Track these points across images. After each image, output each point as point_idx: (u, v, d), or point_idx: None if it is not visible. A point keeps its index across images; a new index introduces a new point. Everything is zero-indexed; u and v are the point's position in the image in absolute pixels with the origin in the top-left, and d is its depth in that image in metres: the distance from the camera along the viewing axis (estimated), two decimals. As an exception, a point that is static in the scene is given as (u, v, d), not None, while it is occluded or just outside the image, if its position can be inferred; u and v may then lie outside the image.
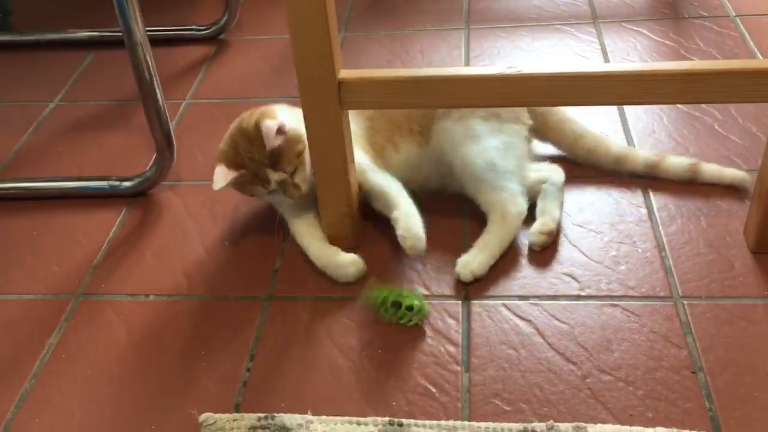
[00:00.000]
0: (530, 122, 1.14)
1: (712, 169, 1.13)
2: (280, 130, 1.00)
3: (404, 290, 0.98)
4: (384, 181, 1.06)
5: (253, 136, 1.01)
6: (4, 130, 1.43)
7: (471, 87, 0.95)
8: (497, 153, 1.06)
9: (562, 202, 1.10)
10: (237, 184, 1.05)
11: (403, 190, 1.05)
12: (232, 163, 1.03)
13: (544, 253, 1.04)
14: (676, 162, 1.13)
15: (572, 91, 0.93)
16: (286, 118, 1.04)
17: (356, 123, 1.10)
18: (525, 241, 1.06)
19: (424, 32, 1.62)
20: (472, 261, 1.01)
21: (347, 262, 1.02)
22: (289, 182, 1.03)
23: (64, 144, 1.38)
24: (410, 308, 0.95)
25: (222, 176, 1.01)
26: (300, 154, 1.03)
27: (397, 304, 0.96)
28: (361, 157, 1.07)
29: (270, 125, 0.99)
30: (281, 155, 1.01)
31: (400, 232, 0.99)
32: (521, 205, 1.05)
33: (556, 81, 0.93)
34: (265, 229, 1.12)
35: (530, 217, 1.06)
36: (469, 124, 1.09)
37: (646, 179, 1.14)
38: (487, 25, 1.62)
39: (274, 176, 1.02)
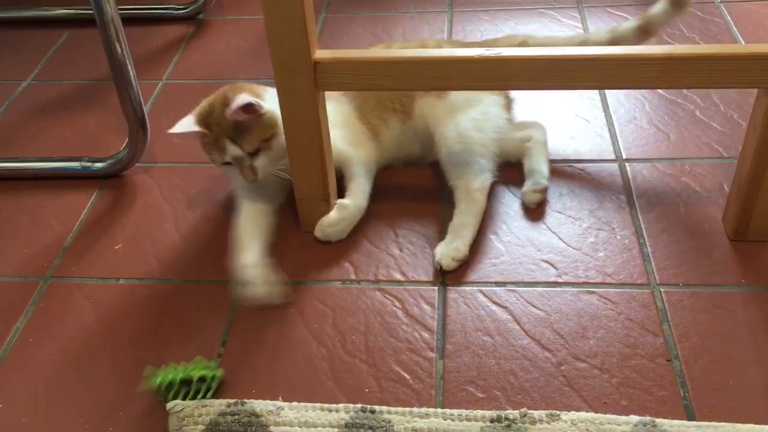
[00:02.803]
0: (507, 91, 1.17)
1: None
2: (249, 108, 0.98)
3: (183, 365, 0.86)
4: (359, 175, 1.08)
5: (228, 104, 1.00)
6: (-26, 109, 1.40)
7: (449, 69, 0.93)
8: (473, 125, 1.08)
9: (548, 158, 1.12)
10: (201, 144, 1.04)
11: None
12: (201, 121, 1.02)
13: (522, 238, 1.03)
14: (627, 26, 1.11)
15: (551, 74, 0.92)
16: (273, 103, 1.01)
17: (346, 101, 1.12)
18: (504, 226, 1.05)
19: (406, 15, 1.60)
20: (450, 248, 1.00)
21: (246, 264, 0.98)
22: (246, 162, 1.01)
23: (36, 124, 1.35)
24: (202, 379, 0.85)
25: (184, 124, 1.02)
26: (269, 139, 1.01)
27: (187, 382, 0.85)
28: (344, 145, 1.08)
29: (240, 99, 0.97)
30: (245, 132, 1.00)
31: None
32: (485, 180, 1.06)
33: (535, 64, 0.91)
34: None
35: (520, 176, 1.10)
36: (448, 98, 1.11)
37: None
38: (471, 8, 1.60)
39: (231, 149, 1.00)
